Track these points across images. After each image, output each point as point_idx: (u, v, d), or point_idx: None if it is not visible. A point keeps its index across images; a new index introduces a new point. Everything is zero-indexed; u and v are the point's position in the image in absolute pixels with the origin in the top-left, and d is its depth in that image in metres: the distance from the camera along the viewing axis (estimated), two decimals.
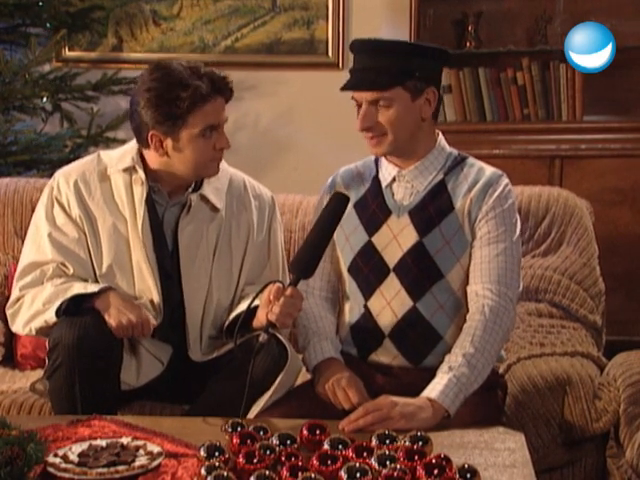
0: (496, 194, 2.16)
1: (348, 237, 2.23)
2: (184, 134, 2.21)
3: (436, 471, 1.65)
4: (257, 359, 2.11)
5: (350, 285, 2.24)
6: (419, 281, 2.15)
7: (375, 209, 2.21)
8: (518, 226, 2.20)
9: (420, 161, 2.20)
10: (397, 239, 2.17)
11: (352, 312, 2.24)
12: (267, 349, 2.15)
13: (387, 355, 2.18)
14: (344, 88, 2.16)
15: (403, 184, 2.21)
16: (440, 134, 2.25)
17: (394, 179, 2.22)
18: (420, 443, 1.77)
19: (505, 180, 2.20)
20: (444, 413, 2.00)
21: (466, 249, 2.16)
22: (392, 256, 2.17)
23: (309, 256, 2.08)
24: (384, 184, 2.23)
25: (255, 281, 2.34)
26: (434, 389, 2.01)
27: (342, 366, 2.15)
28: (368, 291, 2.20)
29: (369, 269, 2.20)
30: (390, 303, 2.17)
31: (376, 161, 2.28)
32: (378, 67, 2.10)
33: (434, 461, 1.68)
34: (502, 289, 2.12)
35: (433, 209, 2.17)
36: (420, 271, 2.15)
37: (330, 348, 2.19)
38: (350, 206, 2.19)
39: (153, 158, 2.28)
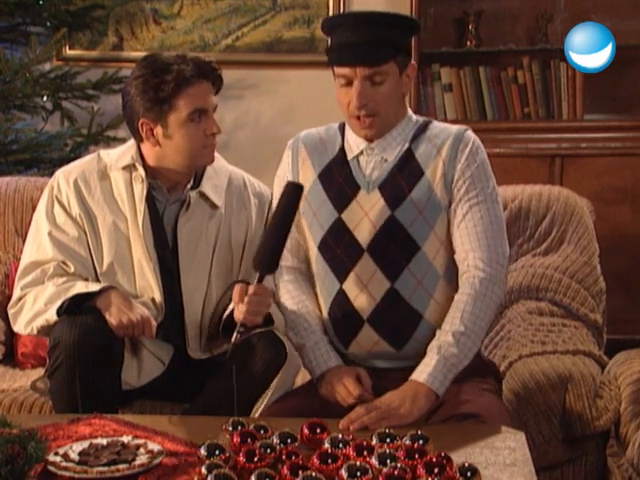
0: (467, 150, 2.14)
1: (315, 212, 2.18)
2: (172, 119, 2.22)
3: (436, 470, 1.65)
4: (255, 357, 2.12)
5: (322, 266, 2.19)
6: (395, 259, 2.12)
7: (342, 183, 2.16)
8: (493, 178, 2.17)
9: (389, 132, 2.16)
10: (368, 216, 2.13)
11: (327, 296, 2.19)
12: (266, 347, 2.15)
13: (368, 341, 2.14)
14: (340, 63, 2.08)
15: (372, 157, 2.16)
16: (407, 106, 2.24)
17: (362, 152, 2.17)
18: (420, 442, 1.77)
19: (472, 134, 2.18)
20: (434, 395, 2.00)
21: (439, 215, 2.12)
22: (364, 235, 2.12)
23: (269, 252, 2.06)
24: (350, 155, 2.18)
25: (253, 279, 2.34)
26: (423, 371, 2.01)
27: (342, 366, 2.14)
28: (342, 274, 2.15)
29: (341, 249, 2.15)
30: (367, 286, 2.13)
31: (341, 129, 2.24)
32: (377, 40, 2.05)
33: (434, 460, 1.68)
34: (492, 256, 2.10)
35: (403, 179, 2.13)
36: (396, 248, 2.11)
37: (329, 353, 2.15)
38: (314, 176, 2.18)
39: (149, 152, 2.29)
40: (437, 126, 2.20)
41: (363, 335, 2.15)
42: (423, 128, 2.18)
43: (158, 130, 2.24)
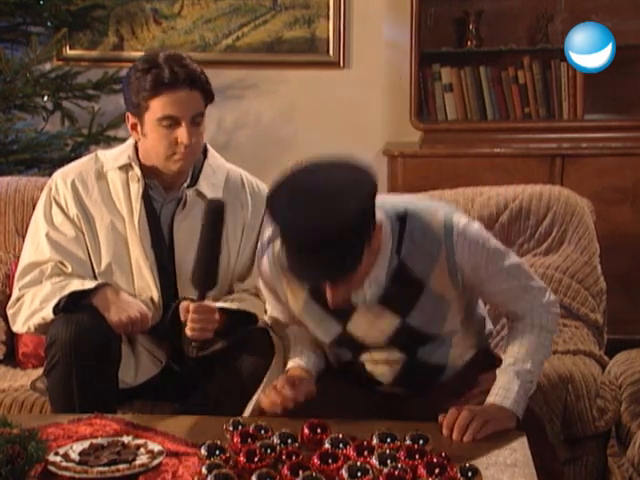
0: (466, 251, 1.95)
1: (317, 326, 2.07)
2: (147, 118, 2.22)
3: (437, 470, 1.65)
4: (243, 357, 2.15)
5: (334, 350, 2.11)
6: (411, 344, 2.04)
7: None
8: (494, 243, 2.01)
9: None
10: (376, 324, 2.02)
11: (341, 361, 2.12)
12: (253, 346, 2.18)
13: (390, 392, 2.10)
14: (302, 282, 1.92)
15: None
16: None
17: None
18: (421, 442, 1.77)
19: (458, 226, 1.96)
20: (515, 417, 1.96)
21: (452, 304, 2.02)
22: (375, 338, 2.04)
23: (204, 270, 2.07)
24: None
25: (245, 277, 2.35)
26: (507, 397, 1.95)
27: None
28: (356, 354, 2.08)
29: (354, 349, 2.07)
30: (385, 361, 2.06)
31: None
32: (343, 250, 1.80)
33: (435, 460, 1.68)
34: (536, 303, 2.05)
35: (404, 292, 1.98)
36: (411, 341, 2.04)
37: (300, 359, 2.09)
38: (305, 295, 2.02)
39: (140, 149, 2.30)
40: (417, 221, 1.96)
41: (384, 390, 2.10)
42: (403, 227, 1.96)
43: (138, 126, 2.26)
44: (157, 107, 2.20)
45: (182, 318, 2.13)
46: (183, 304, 2.14)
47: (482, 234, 2.01)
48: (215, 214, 2.08)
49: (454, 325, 2.06)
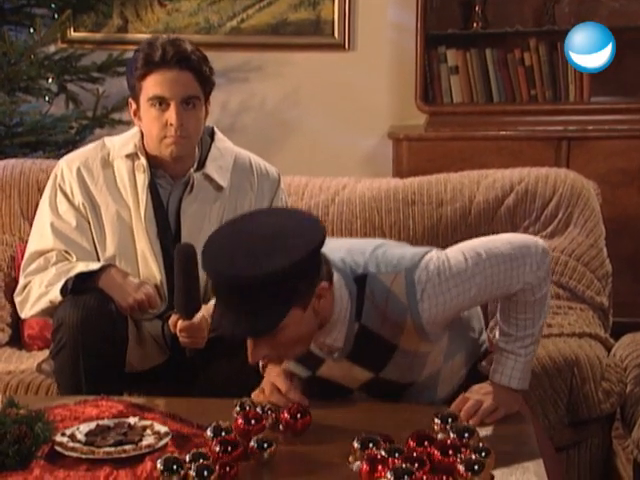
0: (428, 301, 1.79)
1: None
2: (141, 100, 2.23)
3: (451, 451, 1.64)
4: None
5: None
6: (390, 394, 1.95)
7: (303, 357, 1.90)
8: (464, 265, 1.80)
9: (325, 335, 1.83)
10: (350, 374, 1.91)
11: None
12: None
13: (358, 399, 1.99)
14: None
15: (317, 344, 1.87)
16: (331, 273, 1.77)
17: None
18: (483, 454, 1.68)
19: (418, 279, 1.79)
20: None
21: (430, 351, 1.90)
22: (349, 383, 1.94)
23: (186, 299, 2.06)
24: None
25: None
26: (513, 377, 1.91)
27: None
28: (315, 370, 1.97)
29: (327, 391, 1.96)
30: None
31: None
32: (258, 308, 1.67)
33: (449, 442, 1.67)
34: (526, 267, 1.87)
35: (373, 351, 1.87)
36: (389, 387, 1.93)
37: None
38: None
39: (144, 136, 2.29)
40: (376, 285, 1.81)
41: (353, 397, 1.99)
42: (362, 291, 1.81)
43: (137, 109, 2.27)
44: (148, 87, 2.20)
45: (172, 331, 2.13)
46: (171, 320, 2.12)
47: (446, 276, 1.80)
48: (185, 258, 2.05)
49: (435, 365, 1.94)
